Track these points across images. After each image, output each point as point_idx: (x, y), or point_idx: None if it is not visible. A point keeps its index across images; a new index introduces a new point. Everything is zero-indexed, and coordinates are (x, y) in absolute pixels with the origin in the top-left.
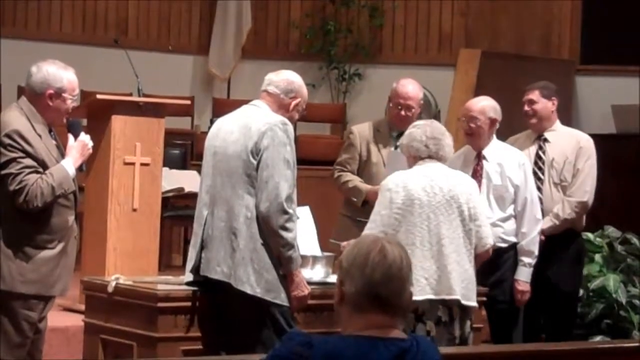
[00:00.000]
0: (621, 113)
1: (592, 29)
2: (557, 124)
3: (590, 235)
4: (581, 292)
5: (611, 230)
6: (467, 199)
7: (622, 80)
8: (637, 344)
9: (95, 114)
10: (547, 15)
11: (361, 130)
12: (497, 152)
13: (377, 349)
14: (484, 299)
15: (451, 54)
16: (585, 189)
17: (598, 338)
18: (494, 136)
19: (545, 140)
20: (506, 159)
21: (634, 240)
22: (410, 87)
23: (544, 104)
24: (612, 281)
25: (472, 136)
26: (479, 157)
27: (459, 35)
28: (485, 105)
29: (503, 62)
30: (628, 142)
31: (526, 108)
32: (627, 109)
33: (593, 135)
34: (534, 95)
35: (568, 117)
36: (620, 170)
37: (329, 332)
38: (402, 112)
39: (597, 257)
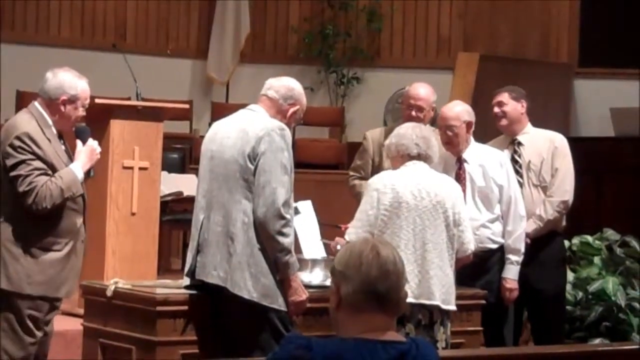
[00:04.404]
0: (620, 116)
1: (591, 32)
2: (529, 127)
3: (589, 238)
4: (580, 294)
5: (610, 233)
6: (452, 204)
7: (620, 83)
8: (636, 347)
9: (93, 119)
10: (545, 18)
11: (374, 135)
12: (477, 154)
13: (376, 351)
14: (483, 302)
15: (449, 57)
16: (565, 188)
17: (597, 341)
18: (472, 138)
19: (519, 143)
20: (487, 159)
21: (633, 242)
22: (422, 89)
23: (514, 106)
24: (611, 284)
25: (451, 144)
26: (460, 161)
27: (457, 39)
28: (459, 111)
29: (501, 65)
30: (627, 145)
31: (496, 110)
32: (625, 111)
33: (592, 138)
34: (503, 97)
35: (567, 120)
36: (618, 173)
37: (328, 335)
38: (413, 113)
39: (596, 259)
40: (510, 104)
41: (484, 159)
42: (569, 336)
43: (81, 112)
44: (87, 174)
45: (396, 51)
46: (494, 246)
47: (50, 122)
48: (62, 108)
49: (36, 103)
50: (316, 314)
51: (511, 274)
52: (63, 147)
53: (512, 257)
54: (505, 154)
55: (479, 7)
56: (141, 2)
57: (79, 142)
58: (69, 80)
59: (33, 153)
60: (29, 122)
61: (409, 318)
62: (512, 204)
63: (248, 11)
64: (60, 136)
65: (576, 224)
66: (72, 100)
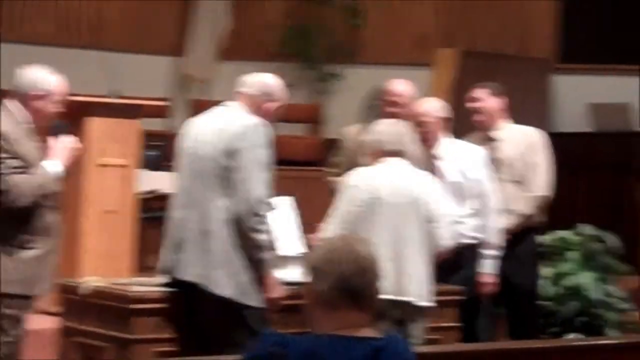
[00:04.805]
0: (598, 111)
1: (570, 27)
2: (506, 122)
3: (565, 233)
4: (555, 289)
5: (586, 228)
6: (429, 200)
7: (599, 78)
8: (611, 342)
9: (70, 116)
10: (524, 14)
11: (351, 132)
12: (450, 149)
13: (351, 348)
14: (459, 298)
15: (429, 53)
16: (542, 183)
17: (572, 336)
18: (445, 134)
19: (497, 139)
20: (461, 155)
21: (609, 238)
22: (400, 85)
23: (491, 102)
24: (586, 279)
25: (424, 140)
26: (434, 157)
27: (437, 35)
28: (432, 107)
29: (481, 61)
30: (604, 140)
31: (473, 106)
32: (603, 107)
33: (570, 134)
34: (481, 93)
35: (545, 115)
36: (595, 168)
37: (304, 332)
38: (392, 109)
39: (572, 255)
40: (488, 100)
41: (458, 155)
42: (544, 331)
43: (55, 107)
44: (63, 170)
45: (376, 48)
46: (470, 241)
47: (25, 119)
48: (36, 104)
49: (10, 100)
50: (292, 311)
51: (487, 268)
52: (39, 143)
53: (488, 252)
54: (479, 149)
55: (459, 3)
56: None
57: (54, 139)
58: (42, 76)
59: (9, 151)
60: (4, 120)
61: (384, 314)
62: (486, 199)
63: (228, 8)
64: (36, 133)
65: (552, 219)
66: (46, 95)
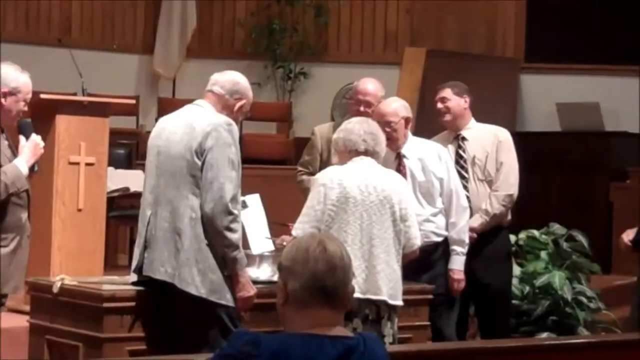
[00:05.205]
0: (566, 111)
1: (537, 27)
2: (473, 122)
3: (535, 232)
4: (527, 289)
5: (556, 227)
6: (399, 199)
7: (566, 78)
8: (583, 341)
9: (39, 114)
10: (491, 13)
11: (322, 131)
12: (415, 148)
13: (324, 347)
14: (430, 297)
15: (397, 52)
16: (510, 181)
17: (544, 335)
18: (409, 133)
19: (464, 138)
20: (425, 153)
21: (579, 237)
22: (370, 84)
23: (457, 101)
24: (557, 278)
25: (390, 140)
26: (399, 157)
27: (405, 34)
28: (397, 107)
29: (448, 60)
30: (572, 139)
31: (439, 106)
32: (571, 106)
33: (538, 133)
34: (446, 92)
35: (513, 115)
36: (564, 167)
37: (276, 330)
38: (361, 108)
39: (543, 254)
40: (454, 100)
41: (422, 153)
42: (515, 330)
43: (22, 106)
44: (31, 169)
45: (343, 46)
46: (438, 239)
47: None
48: (3, 100)
49: None
50: (264, 309)
51: (457, 265)
52: (6, 142)
53: (458, 249)
54: (443, 147)
55: (426, 2)
56: None
57: (22, 137)
58: (10, 73)
59: None
60: None
61: (356, 313)
62: (453, 196)
63: (194, 6)
64: (2, 131)
65: (523, 218)
66: (13, 92)
